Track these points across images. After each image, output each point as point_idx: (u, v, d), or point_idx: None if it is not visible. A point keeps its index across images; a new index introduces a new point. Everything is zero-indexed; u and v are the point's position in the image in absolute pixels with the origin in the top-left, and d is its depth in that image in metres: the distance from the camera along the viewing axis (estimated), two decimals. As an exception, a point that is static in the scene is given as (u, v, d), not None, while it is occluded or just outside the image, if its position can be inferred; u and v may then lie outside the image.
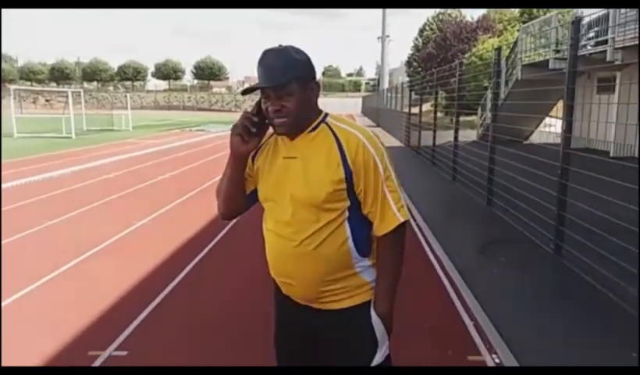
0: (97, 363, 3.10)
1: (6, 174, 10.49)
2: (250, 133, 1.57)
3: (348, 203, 1.58)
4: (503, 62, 16.50)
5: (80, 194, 8.49)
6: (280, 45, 1.55)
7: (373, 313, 1.66)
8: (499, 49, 7.22)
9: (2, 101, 64.48)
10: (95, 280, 4.53)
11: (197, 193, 8.63)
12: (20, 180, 9.71)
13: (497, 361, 3.11)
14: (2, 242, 5.58)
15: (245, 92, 1.62)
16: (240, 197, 1.69)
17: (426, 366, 3.04)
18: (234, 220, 5.50)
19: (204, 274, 4.74)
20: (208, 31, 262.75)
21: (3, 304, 3.95)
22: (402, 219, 1.59)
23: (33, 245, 5.59)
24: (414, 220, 6.72)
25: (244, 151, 1.60)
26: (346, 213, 1.58)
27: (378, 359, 1.66)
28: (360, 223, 1.61)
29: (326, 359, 1.70)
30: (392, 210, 1.58)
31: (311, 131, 1.59)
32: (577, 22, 4.84)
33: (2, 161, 12.92)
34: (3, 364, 3.08)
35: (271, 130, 1.62)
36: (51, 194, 8.49)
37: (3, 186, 9.08)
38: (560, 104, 17.92)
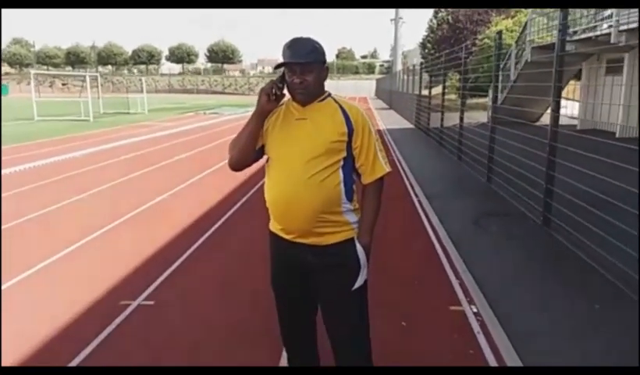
0: (127, 311, 3.59)
1: (31, 155, 11.11)
2: (274, 96, 2.06)
3: (344, 154, 2.07)
4: (513, 44, 16.69)
5: (102, 173, 9.04)
6: (301, 36, 2.07)
7: (358, 244, 2.13)
8: (499, 33, 7.53)
9: (20, 85, 65.07)
10: (121, 245, 5.05)
11: (211, 172, 9.12)
12: (46, 160, 10.31)
13: (475, 310, 3.55)
14: (40, 212, 6.15)
15: (278, 66, 2.07)
16: (252, 149, 2.14)
17: (410, 321, 3.50)
18: (243, 198, 6.00)
19: (220, 240, 5.23)
20: (223, 14, 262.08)
21: (47, 262, 4.49)
22: (388, 170, 2.13)
23: (64, 217, 6.13)
24: (416, 196, 7.15)
25: (268, 108, 2.08)
26: (341, 162, 2.07)
27: (360, 281, 2.13)
28: (349, 173, 2.11)
29: (317, 285, 2.16)
30: (380, 163, 2.12)
31: (320, 101, 2.11)
32: (565, 10, 5.15)
33: (27, 142, 13.60)
34: (55, 301, 3.61)
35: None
36: (75, 173, 9.05)
37: (30, 165, 9.70)
38: (572, 86, 17.98)
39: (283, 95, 2.10)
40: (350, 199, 2.11)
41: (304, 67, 2.00)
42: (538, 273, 4.33)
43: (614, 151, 4.39)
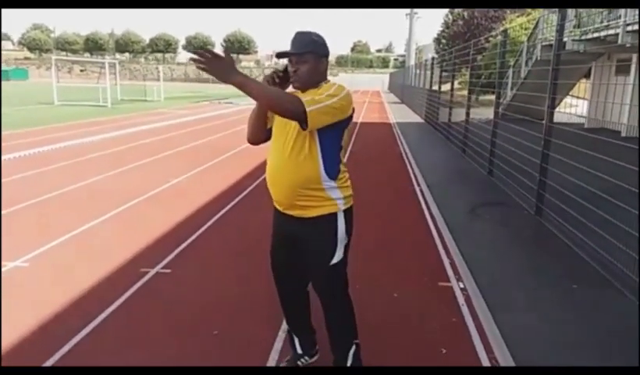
0: (146, 278, 3.98)
1: (54, 137, 11.62)
2: (274, 83, 2.35)
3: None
4: (524, 41, 16.85)
5: (121, 156, 9.49)
6: (304, 30, 2.34)
7: (339, 216, 2.38)
8: (504, 31, 7.79)
9: (39, 70, 65.97)
10: (142, 219, 5.47)
11: (225, 158, 9.53)
12: (67, 143, 10.80)
13: (462, 286, 3.90)
14: (63, 190, 6.60)
15: (278, 56, 2.37)
16: (259, 128, 2.46)
17: (401, 293, 3.86)
18: (251, 185, 6.37)
19: (232, 218, 5.62)
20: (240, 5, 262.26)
21: (74, 233, 4.91)
22: (302, 107, 2.14)
23: (87, 195, 6.56)
24: (418, 185, 7.48)
25: None
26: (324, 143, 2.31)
27: (337, 258, 2.40)
28: (332, 153, 2.33)
29: (303, 253, 2.47)
30: (312, 99, 2.18)
31: (315, 89, 2.34)
32: (564, 11, 5.43)
33: (49, 125, 14.14)
34: (84, 266, 4.02)
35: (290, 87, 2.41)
36: (96, 155, 9.52)
37: (54, 146, 10.19)
38: (582, 85, 18.09)
39: (287, 82, 2.38)
40: (333, 177, 2.34)
41: (299, 58, 2.29)
42: (524, 254, 4.68)
43: (612, 149, 4.46)
